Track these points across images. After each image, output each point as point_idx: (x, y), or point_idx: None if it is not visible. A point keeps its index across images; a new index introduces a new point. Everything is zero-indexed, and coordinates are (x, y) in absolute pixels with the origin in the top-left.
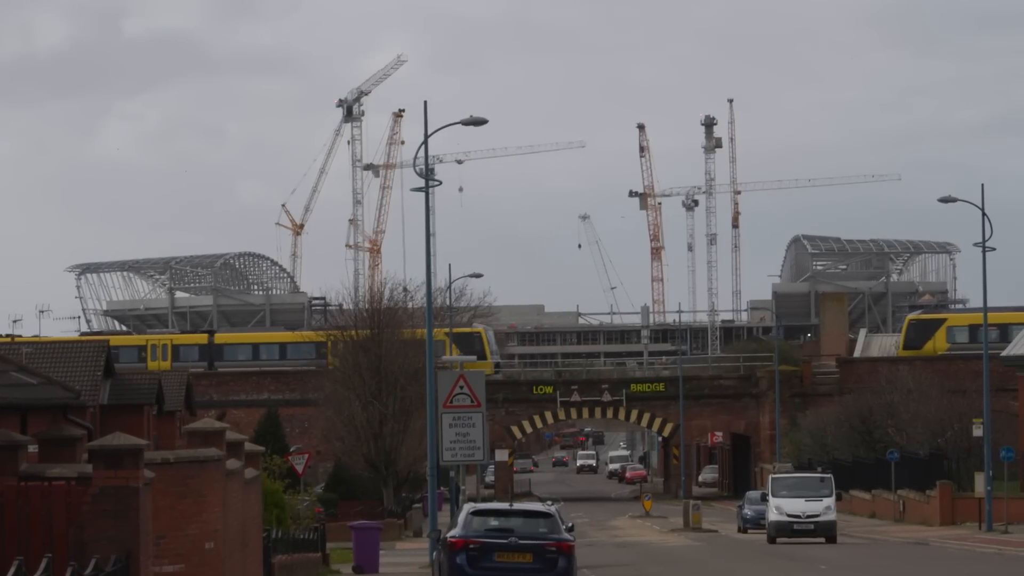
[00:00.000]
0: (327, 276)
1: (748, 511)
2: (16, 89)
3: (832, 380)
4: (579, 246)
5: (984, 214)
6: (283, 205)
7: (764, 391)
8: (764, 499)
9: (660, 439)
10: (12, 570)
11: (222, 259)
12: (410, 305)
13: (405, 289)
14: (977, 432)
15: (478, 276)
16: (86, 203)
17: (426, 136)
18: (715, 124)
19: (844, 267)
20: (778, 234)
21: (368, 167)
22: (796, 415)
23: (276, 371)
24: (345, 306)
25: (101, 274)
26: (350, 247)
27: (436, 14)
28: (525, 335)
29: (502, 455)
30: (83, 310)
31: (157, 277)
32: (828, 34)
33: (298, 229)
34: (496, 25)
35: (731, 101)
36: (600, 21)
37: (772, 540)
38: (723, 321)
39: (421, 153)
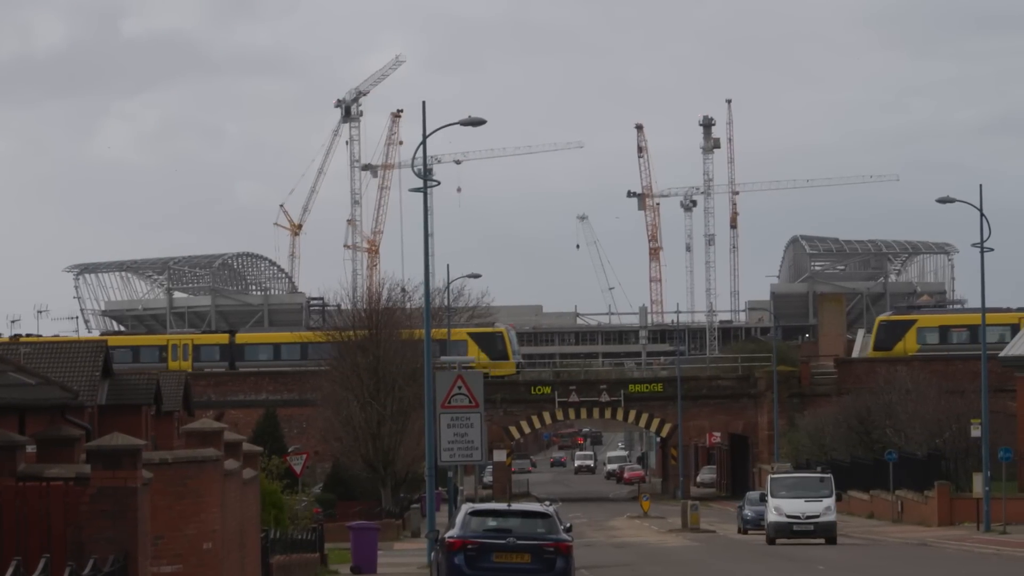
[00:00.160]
0: (325, 276)
1: (748, 512)
2: (14, 89)
3: (830, 381)
4: (577, 246)
5: (982, 215)
6: (281, 205)
7: (762, 391)
8: (763, 500)
9: (658, 439)
10: (10, 570)
11: (220, 259)
12: (408, 306)
13: (403, 289)
14: (975, 433)
15: (476, 276)
16: (84, 203)
17: (424, 136)
18: (713, 124)
19: (842, 268)
20: (776, 235)
21: (366, 167)
22: (794, 415)
23: (298, 371)
24: (343, 306)
25: (99, 274)
26: (348, 247)
27: (434, 14)
28: (523, 335)
29: (500, 455)
30: (81, 310)
31: (155, 277)
32: (826, 35)
33: (296, 229)
34: (494, 25)
35: (729, 102)
36: (599, 21)
37: (771, 541)
38: (721, 321)
39: (419, 153)
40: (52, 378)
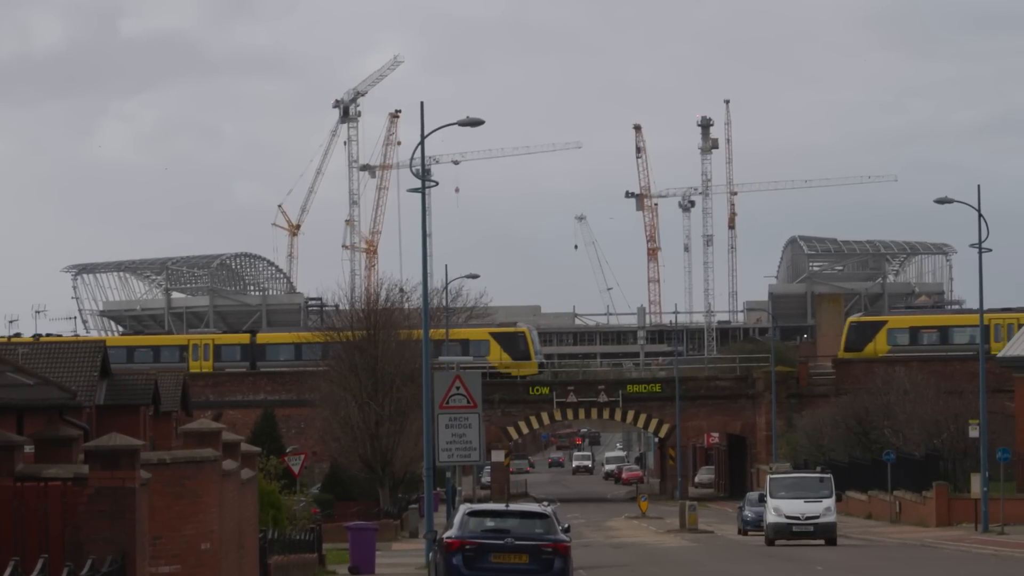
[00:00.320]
0: (323, 277)
1: (748, 513)
2: (13, 89)
3: (828, 381)
4: (575, 247)
5: (980, 215)
6: (279, 206)
7: (760, 392)
8: (763, 500)
9: (656, 440)
10: (8, 570)
11: (218, 260)
12: (406, 306)
13: (401, 290)
14: (973, 433)
15: (474, 277)
16: (83, 203)
17: (422, 137)
18: (712, 125)
19: (840, 268)
20: (774, 235)
21: (364, 168)
22: (792, 416)
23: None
24: (341, 307)
25: (97, 275)
26: (346, 248)
27: (433, 15)
28: None
29: (498, 456)
30: (79, 310)
31: (153, 278)
32: (825, 35)
33: (294, 230)
34: (493, 26)
35: (727, 102)
36: (597, 22)
37: (770, 542)
38: (719, 322)
39: (417, 154)
40: (50, 378)
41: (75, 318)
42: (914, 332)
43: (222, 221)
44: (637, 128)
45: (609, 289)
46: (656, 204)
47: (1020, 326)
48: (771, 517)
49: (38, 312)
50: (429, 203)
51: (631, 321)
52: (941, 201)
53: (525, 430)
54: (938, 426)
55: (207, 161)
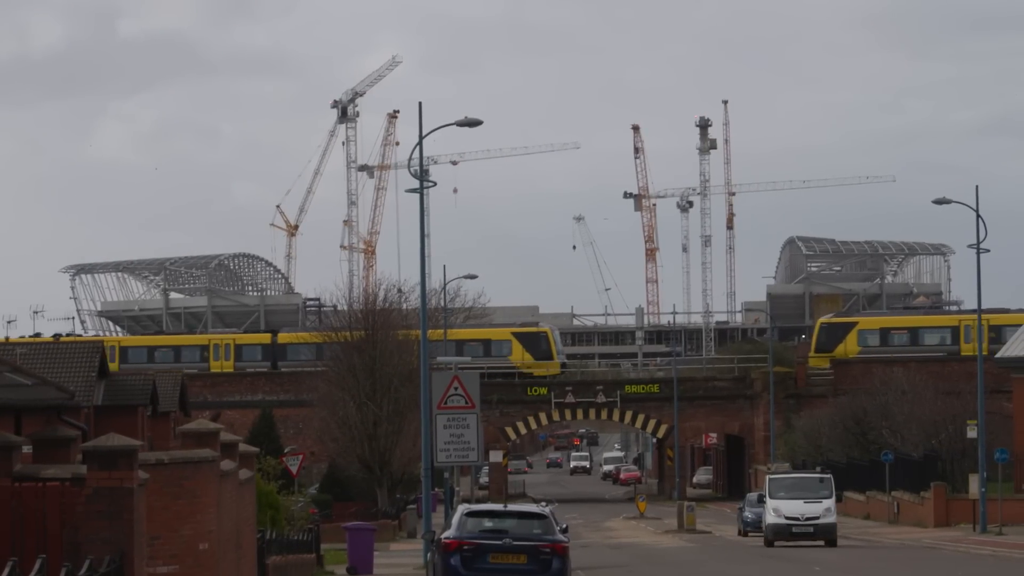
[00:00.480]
0: (322, 277)
1: (748, 514)
2: (11, 90)
3: (826, 381)
4: (574, 247)
5: (979, 216)
6: (278, 206)
7: (758, 392)
8: (762, 501)
9: (654, 440)
10: (6, 571)
11: (216, 260)
12: (405, 306)
13: (399, 290)
14: (971, 434)
15: (473, 277)
16: (81, 204)
17: (421, 137)
18: (710, 125)
19: (839, 268)
20: (773, 235)
21: (363, 168)
22: (790, 416)
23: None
24: (339, 307)
25: (95, 275)
26: (345, 248)
27: (431, 15)
28: None
29: (496, 456)
30: (77, 311)
31: (151, 278)
32: (824, 36)
33: (293, 230)
34: (491, 26)
35: (726, 102)
36: (596, 22)
37: (769, 543)
38: (717, 322)
39: (416, 154)
40: (48, 378)
41: (73, 318)
42: (884, 333)
43: (220, 221)
44: (635, 128)
45: (607, 289)
46: (654, 204)
47: (991, 327)
48: (770, 518)
49: (36, 312)
50: (427, 203)
51: (629, 321)
52: (939, 202)
53: (523, 430)
54: (936, 427)
55: (205, 161)
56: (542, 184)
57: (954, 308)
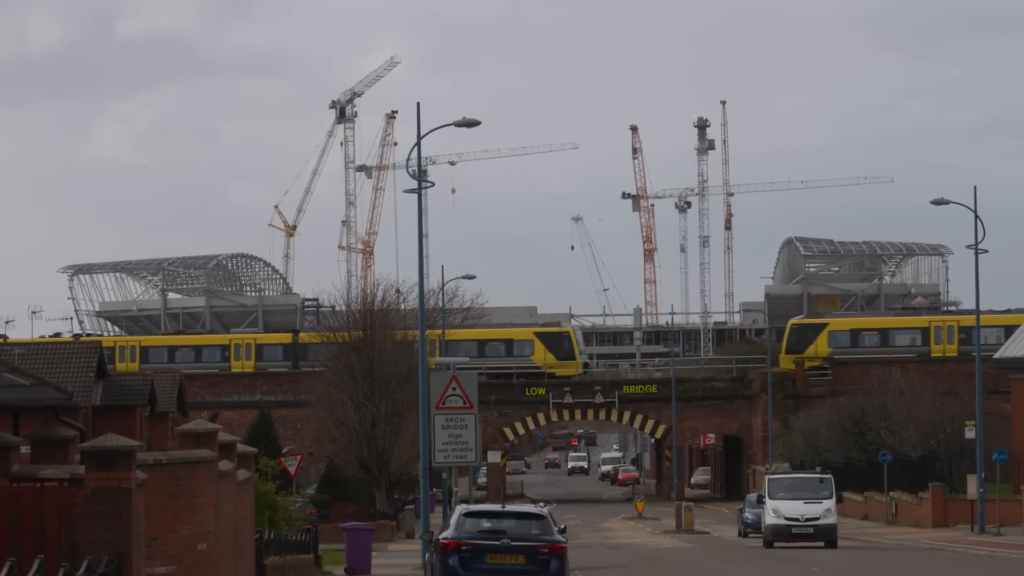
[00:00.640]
0: (320, 277)
1: (748, 515)
2: (9, 90)
3: (824, 382)
4: (572, 248)
5: (977, 216)
6: (276, 206)
7: (756, 393)
8: (762, 501)
9: (652, 441)
10: (4, 571)
11: (215, 260)
12: (403, 307)
13: (398, 291)
14: (969, 434)
15: (471, 277)
16: (79, 204)
17: (419, 138)
18: (708, 126)
19: (837, 269)
20: (771, 236)
21: (361, 168)
22: (788, 417)
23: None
24: (337, 308)
25: (93, 275)
26: (343, 248)
27: (429, 15)
28: None
29: (494, 457)
30: (75, 311)
31: (150, 278)
32: (822, 36)
33: (291, 230)
34: (489, 26)
35: (724, 103)
36: (594, 22)
37: (769, 544)
38: (716, 323)
39: (414, 154)
40: (46, 379)
41: (71, 319)
42: (855, 334)
43: (218, 222)
44: (634, 129)
45: (605, 290)
46: (652, 205)
47: (960, 328)
48: (770, 519)
49: (34, 313)
50: (425, 204)
51: (627, 322)
52: (937, 202)
53: (521, 431)
54: (934, 427)
55: (204, 162)
56: (540, 184)
57: (951, 308)
